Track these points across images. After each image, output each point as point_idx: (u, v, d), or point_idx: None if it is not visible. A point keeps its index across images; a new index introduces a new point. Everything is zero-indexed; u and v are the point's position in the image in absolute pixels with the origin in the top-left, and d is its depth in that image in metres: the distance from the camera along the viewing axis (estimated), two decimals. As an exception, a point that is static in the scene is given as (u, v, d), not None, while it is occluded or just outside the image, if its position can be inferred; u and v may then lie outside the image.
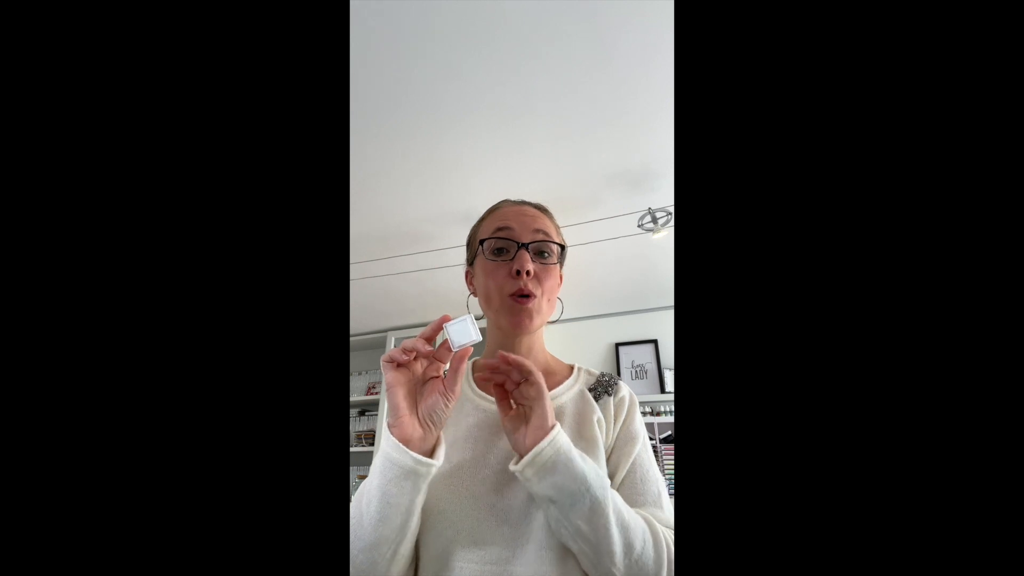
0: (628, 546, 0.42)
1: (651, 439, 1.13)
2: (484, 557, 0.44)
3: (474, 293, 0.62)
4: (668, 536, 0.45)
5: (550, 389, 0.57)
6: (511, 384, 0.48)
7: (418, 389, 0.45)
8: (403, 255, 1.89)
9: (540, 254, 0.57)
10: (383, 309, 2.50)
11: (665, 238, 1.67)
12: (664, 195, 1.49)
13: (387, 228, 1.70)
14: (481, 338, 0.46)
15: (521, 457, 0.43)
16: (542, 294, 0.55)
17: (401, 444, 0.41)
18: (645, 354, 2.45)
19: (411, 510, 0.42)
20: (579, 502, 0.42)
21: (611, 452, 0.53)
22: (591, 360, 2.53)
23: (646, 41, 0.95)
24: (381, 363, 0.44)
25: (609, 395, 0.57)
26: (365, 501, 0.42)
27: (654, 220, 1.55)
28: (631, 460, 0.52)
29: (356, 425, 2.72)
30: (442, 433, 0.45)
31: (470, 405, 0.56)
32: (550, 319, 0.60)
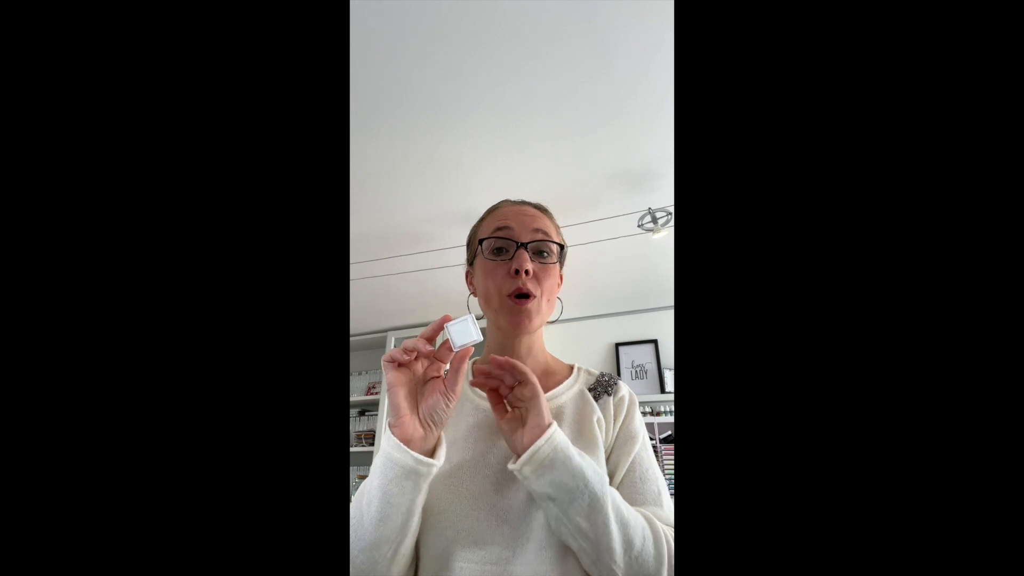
0: (628, 543, 0.42)
1: (651, 439, 1.13)
2: (484, 557, 0.44)
3: (474, 293, 0.62)
4: (668, 533, 0.45)
5: (550, 389, 0.57)
6: (505, 389, 0.48)
7: (419, 389, 0.45)
8: (403, 255, 1.89)
9: (539, 253, 0.56)
10: (383, 309, 2.50)
11: (665, 238, 1.67)
12: (664, 195, 1.49)
13: (387, 228, 1.70)
14: (482, 338, 0.46)
15: (519, 456, 0.43)
16: (541, 294, 0.55)
17: (402, 444, 0.41)
18: (645, 354, 2.45)
19: (412, 510, 0.42)
20: (578, 499, 0.42)
21: (611, 451, 0.53)
22: (591, 360, 2.53)
23: (646, 41, 0.95)
24: (382, 363, 0.44)
25: (609, 395, 0.57)
26: (366, 501, 0.42)
27: (654, 220, 1.55)
28: (631, 459, 0.52)
29: (356, 425, 2.72)
30: (442, 433, 0.45)
31: (470, 405, 0.57)
32: (550, 319, 0.60)
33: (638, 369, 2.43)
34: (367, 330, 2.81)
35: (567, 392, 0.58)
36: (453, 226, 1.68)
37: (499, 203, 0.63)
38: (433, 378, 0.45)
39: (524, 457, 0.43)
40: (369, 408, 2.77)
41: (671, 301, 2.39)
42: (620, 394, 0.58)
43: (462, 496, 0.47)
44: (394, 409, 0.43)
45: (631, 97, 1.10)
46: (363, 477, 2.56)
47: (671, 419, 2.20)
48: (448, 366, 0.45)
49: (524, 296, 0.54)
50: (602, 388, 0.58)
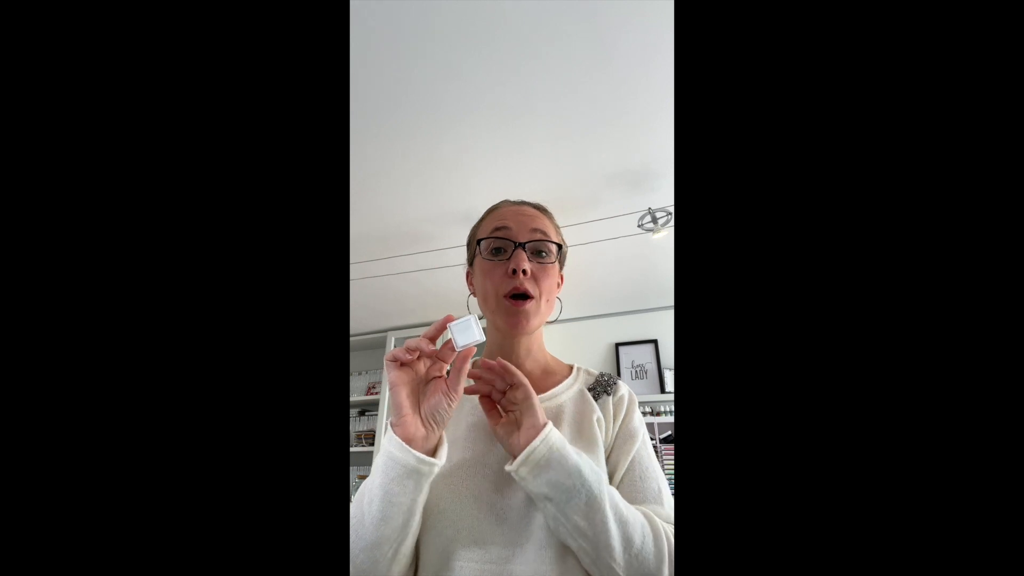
0: (627, 541, 0.42)
1: (651, 439, 1.13)
2: (484, 556, 0.44)
3: (474, 293, 0.62)
4: (668, 531, 0.45)
5: (549, 388, 0.57)
6: (497, 393, 0.48)
7: (421, 389, 0.45)
8: (403, 255, 1.89)
9: (538, 253, 0.56)
10: (383, 309, 2.50)
11: (665, 238, 1.67)
12: (664, 195, 1.49)
13: (387, 228, 1.70)
14: (484, 338, 0.46)
15: (515, 458, 0.43)
16: (540, 294, 0.55)
17: (404, 443, 0.41)
18: (645, 354, 2.45)
19: (413, 509, 0.42)
20: (575, 497, 0.42)
21: (611, 451, 0.53)
22: (591, 360, 2.53)
23: (646, 41, 0.95)
24: (384, 362, 0.44)
25: (608, 394, 0.57)
26: (367, 500, 0.42)
27: (654, 220, 1.55)
28: (630, 457, 0.52)
29: (356, 425, 2.72)
30: (443, 432, 0.45)
31: (470, 405, 0.57)
32: (549, 319, 0.60)
33: (638, 369, 2.43)
34: (367, 330, 2.81)
35: (567, 392, 0.58)
36: (453, 226, 1.68)
37: (499, 203, 0.63)
38: (435, 378, 0.45)
39: (520, 458, 0.43)
40: (369, 408, 2.77)
41: (671, 301, 2.39)
42: (619, 393, 0.58)
43: (462, 495, 0.47)
44: (396, 408, 0.43)
45: (631, 97, 1.10)
46: (363, 477, 2.57)
47: (671, 419, 2.20)
48: (450, 366, 0.45)
49: (521, 296, 0.54)
50: (601, 388, 0.58)
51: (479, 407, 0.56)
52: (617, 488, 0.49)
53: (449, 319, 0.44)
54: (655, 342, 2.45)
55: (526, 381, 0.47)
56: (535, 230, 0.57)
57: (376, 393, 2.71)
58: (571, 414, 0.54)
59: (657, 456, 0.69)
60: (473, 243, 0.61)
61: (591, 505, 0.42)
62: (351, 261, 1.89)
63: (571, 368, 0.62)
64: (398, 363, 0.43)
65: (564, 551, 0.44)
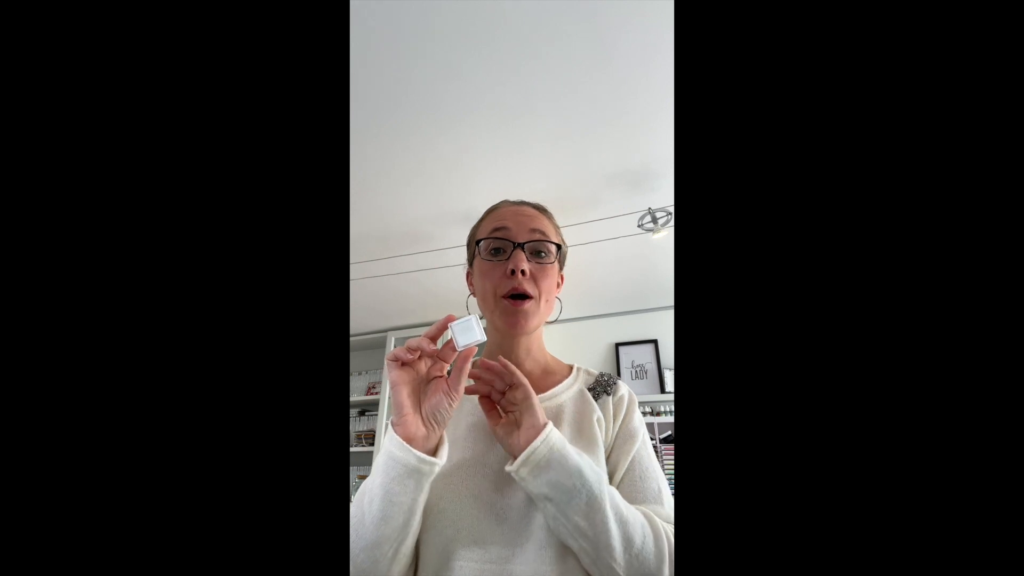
0: (628, 541, 0.42)
1: (651, 439, 1.13)
2: (484, 556, 0.44)
3: (474, 294, 0.62)
4: (669, 531, 0.45)
5: (549, 388, 0.57)
6: (496, 394, 0.48)
7: (422, 388, 0.45)
8: (403, 255, 1.89)
9: (537, 254, 0.56)
10: (383, 309, 2.50)
11: (665, 238, 1.67)
12: (664, 195, 1.49)
13: (387, 228, 1.70)
14: (485, 338, 0.46)
15: (516, 458, 0.43)
16: (539, 294, 0.55)
17: (405, 442, 0.41)
18: (645, 354, 2.45)
19: (413, 509, 0.42)
20: (575, 498, 0.42)
21: (611, 450, 0.53)
22: (591, 360, 2.53)
23: (646, 41, 0.95)
24: (386, 361, 0.44)
25: (608, 394, 0.57)
26: (367, 500, 0.42)
27: (654, 220, 1.55)
28: (630, 457, 0.52)
29: (356, 425, 2.72)
30: (444, 432, 0.45)
31: (470, 405, 0.57)
32: (549, 319, 0.60)
33: (638, 369, 2.43)
34: (367, 330, 2.81)
35: (567, 392, 0.58)
36: (453, 226, 1.68)
37: (498, 203, 0.63)
38: (436, 377, 0.45)
39: (520, 458, 0.43)
40: (369, 408, 2.77)
41: (671, 301, 2.39)
42: (619, 393, 0.58)
43: (462, 495, 0.47)
44: (397, 408, 0.43)
45: (631, 97, 1.10)
46: (363, 477, 2.57)
47: (671, 419, 2.20)
48: (451, 366, 0.45)
49: (520, 296, 0.54)
50: (601, 388, 0.58)
51: (479, 407, 0.56)
52: (617, 488, 0.49)
53: (450, 319, 0.44)
54: (655, 342, 2.45)
55: (526, 381, 0.47)
56: (534, 230, 0.57)
57: (376, 393, 2.72)
58: (571, 414, 0.54)
59: (657, 456, 0.69)
60: (472, 243, 0.61)
61: (591, 505, 0.42)
62: (351, 261, 1.89)
63: (571, 368, 0.62)
64: (399, 363, 0.43)
65: (564, 551, 0.44)
